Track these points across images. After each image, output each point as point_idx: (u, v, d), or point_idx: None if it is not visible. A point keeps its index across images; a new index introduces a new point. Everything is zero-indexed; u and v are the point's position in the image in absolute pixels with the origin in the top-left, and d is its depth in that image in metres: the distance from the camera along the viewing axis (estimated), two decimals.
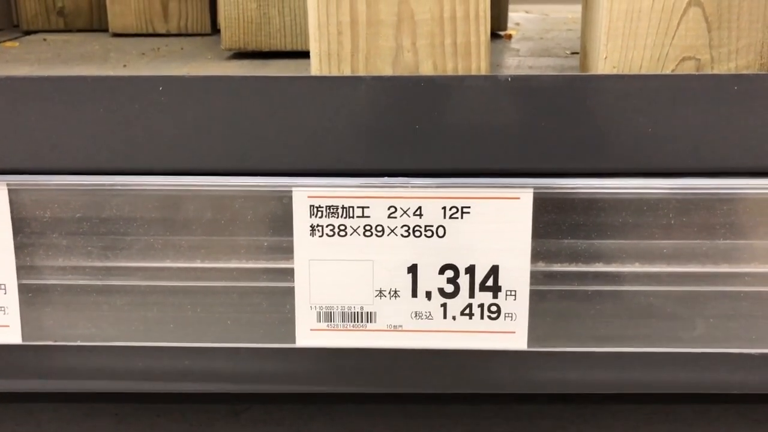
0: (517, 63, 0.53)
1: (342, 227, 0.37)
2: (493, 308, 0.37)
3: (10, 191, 0.36)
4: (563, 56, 0.56)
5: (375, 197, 0.36)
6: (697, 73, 0.40)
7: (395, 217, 0.36)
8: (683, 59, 0.43)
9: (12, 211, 0.36)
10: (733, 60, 0.43)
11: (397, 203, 0.36)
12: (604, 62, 0.43)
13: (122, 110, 0.35)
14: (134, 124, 0.36)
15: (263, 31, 0.55)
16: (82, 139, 0.36)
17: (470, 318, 0.37)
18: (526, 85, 0.35)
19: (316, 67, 0.41)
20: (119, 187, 0.36)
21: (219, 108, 0.36)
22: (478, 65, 0.42)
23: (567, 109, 0.36)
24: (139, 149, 0.36)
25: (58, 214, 0.36)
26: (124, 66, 0.52)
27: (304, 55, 0.52)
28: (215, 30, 0.67)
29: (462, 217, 0.36)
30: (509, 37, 0.64)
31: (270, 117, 0.36)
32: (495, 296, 0.37)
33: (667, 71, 0.42)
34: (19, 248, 0.37)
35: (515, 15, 0.80)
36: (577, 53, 0.56)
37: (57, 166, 0.36)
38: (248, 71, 0.50)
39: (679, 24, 0.43)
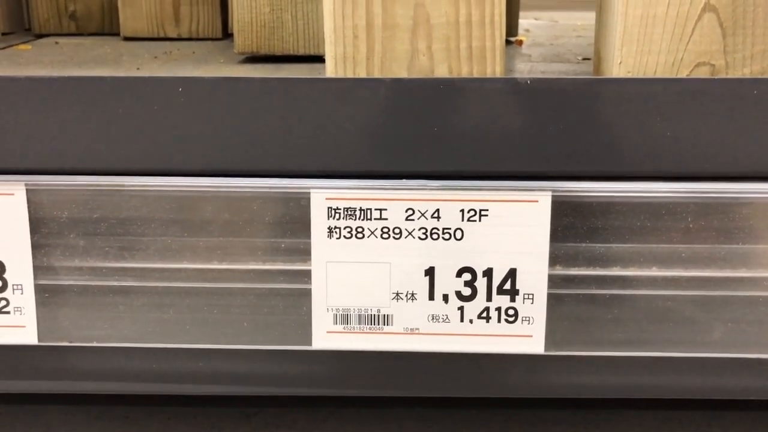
0: (529, 68, 0.53)
1: (359, 229, 0.37)
2: (511, 312, 0.37)
3: (28, 191, 0.36)
4: (575, 62, 0.56)
5: (393, 199, 0.36)
6: (715, 77, 0.41)
7: (413, 220, 0.36)
8: (698, 65, 0.43)
9: (30, 211, 0.36)
10: (747, 65, 0.43)
11: (415, 205, 0.36)
12: (619, 67, 0.43)
13: (141, 111, 0.36)
14: (153, 125, 0.36)
15: (276, 35, 0.55)
16: (100, 139, 0.36)
17: (487, 321, 0.37)
18: (545, 88, 0.35)
19: (331, 70, 0.42)
20: (137, 188, 0.36)
21: (237, 109, 0.36)
22: (493, 69, 0.42)
23: (585, 112, 0.36)
24: (157, 150, 0.36)
25: (76, 214, 0.36)
26: (138, 69, 0.52)
27: (317, 59, 0.52)
28: (226, 34, 0.67)
29: (480, 220, 0.36)
30: (520, 42, 0.65)
31: (288, 119, 0.36)
32: (512, 300, 0.37)
33: (683, 74, 0.42)
34: (36, 248, 0.37)
35: (525, 22, 0.80)
36: (589, 59, 0.56)
37: (75, 167, 0.36)
38: (261, 75, 0.50)
39: (693, 29, 0.43)
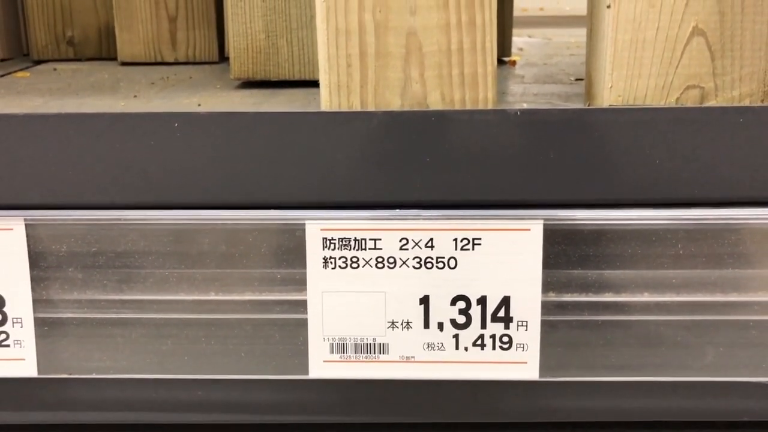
0: (522, 90, 0.54)
1: (354, 259, 0.37)
2: (505, 339, 0.38)
3: (27, 226, 0.36)
4: (568, 83, 0.57)
5: (387, 229, 0.37)
6: (703, 106, 0.41)
7: (407, 249, 0.37)
8: (687, 87, 0.44)
9: (29, 246, 0.37)
10: (737, 88, 0.44)
11: (409, 235, 0.37)
12: (610, 91, 0.43)
13: (138, 146, 0.36)
14: (149, 160, 0.36)
15: (272, 61, 0.55)
16: (97, 174, 0.36)
17: (482, 348, 0.38)
18: (534, 119, 0.36)
19: (326, 98, 0.42)
20: (134, 222, 0.37)
21: (233, 143, 0.36)
22: (486, 95, 0.43)
23: (575, 141, 0.36)
24: (154, 184, 0.36)
25: (74, 248, 0.37)
26: (135, 96, 0.52)
27: (312, 84, 0.52)
28: (222, 58, 0.68)
29: (473, 249, 0.37)
30: (513, 63, 0.65)
31: (283, 151, 0.36)
32: (507, 327, 0.37)
33: (672, 100, 0.43)
34: (36, 282, 0.37)
35: (518, 39, 0.81)
36: (581, 80, 0.57)
37: (73, 201, 0.37)
38: (257, 101, 0.50)
39: (683, 53, 0.43)
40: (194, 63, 0.67)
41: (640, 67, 0.43)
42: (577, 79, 0.58)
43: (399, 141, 0.37)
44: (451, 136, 0.37)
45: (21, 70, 0.64)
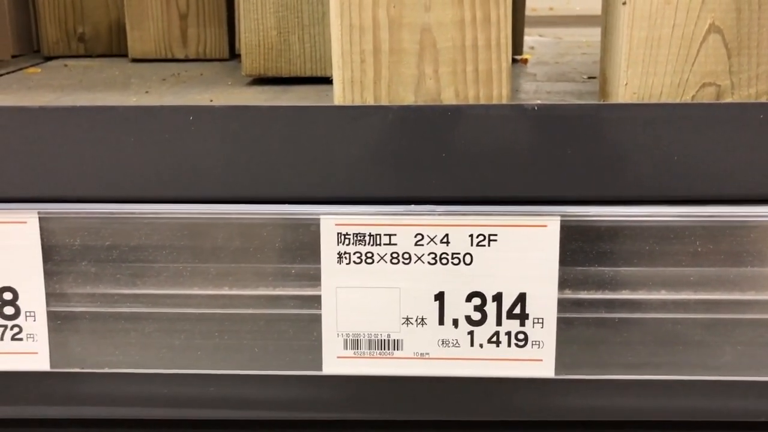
0: (534, 88, 0.54)
1: (369, 255, 0.37)
2: (521, 336, 0.37)
3: (40, 219, 0.36)
4: (580, 81, 0.56)
5: (402, 225, 0.36)
6: (723, 102, 0.41)
7: (422, 245, 0.37)
8: (703, 85, 0.43)
9: (42, 239, 0.37)
10: (753, 86, 0.44)
11: (424, 231, 0.36)
12: (625, 89, 0.43)
13: (152, 139, 0.36)
14: (164, 153, 0.36)
15: (283, 58, 0.55)
16: (111, 167, 0.36)
17: (497, 346, 0.37)
18: (552, 114, 0.36)
19: (339, 94, 0.42)
20: (148, 215, 0.36)
21: (247, 137, 0.36)
22: (500, 92, 0.43)
23: (593, 137, 0.36)
24: (168, 178, 0.36)
25: (88, 241, 0.37)
26: (147, 92, 0.52)
27: (324, 81, 0.52)
28: (233, 55, 0.68)
29: (489, 245, 0.36)
30: (525, 61, 0.65)
31: (298, 145, 0.36)
32: (522, 324, 0.37)
33: (688, 97, 0.43)
34: (49, 276, 0.37)
35: (529, 39, 0.80)
36: (594, 78, 0.57)
37: (87, 195, 0.36)
38: (269, 97, 0.50)
39: (699, 51, 0.43)
40: (205, 60, 0.66)
41: (655, 65, 0.43)
42: (589, 78, 0.58)
43: (415, 135, 0.36)
44: (467, 130, 0.36)
45: (32, 66, 0.64)
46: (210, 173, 0.36)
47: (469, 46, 0.42)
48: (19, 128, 0.36)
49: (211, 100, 0.49)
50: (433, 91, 0.42)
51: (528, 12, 1.05)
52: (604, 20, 0.48)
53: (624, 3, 0.43)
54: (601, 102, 0.44)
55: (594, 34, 0.80)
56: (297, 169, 0.36)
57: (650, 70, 0.43)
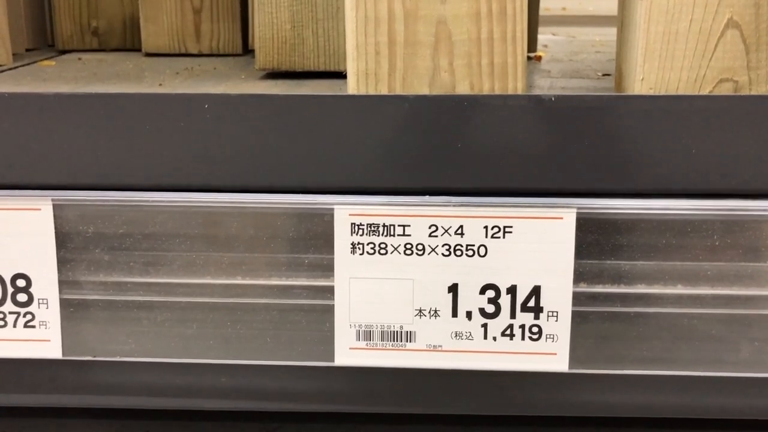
0: (549, 84, 0.53)
1: (383, 245, 0.37)
2: (535, 329, 0.37)
3: (54, 206, 0.36)
4: (595, 78, 0.56)
5: (416, 215, 0.36)
6: (740, 94, 0.40)
7: (436, 236, 0.36)
8: (721, 81, 0.43)
9: (56, 226, 0.37)
10: None
11: (439, 222, 0.36)
12: (641, 83, 0.43)
13: (167, 127, 0.36)
14: (179, 142, 0.36)
15: (297, 52, 0.55)
16: (126, 155, 0.36)
17: (511, 339, 0.37)
18: (569, 105, 0.35)
19: (353, 86, 0.42)
20: (162, 204, 0.36)
21: (262, 126, 0.36)
22: (515, 86, 0.42)
23: (610, 129, 0.36)
24: (182, 166, 0.36)
25: (101, 229, 0.37)
26: (160, 85, 0.52)
27: (337, 75, 0.52)
28: (246, 50, 0.68)
29: (504, 237, 0.36)
30: (539, 58, 0.65)
31: (313, 135, 0.36)
32: (536, 317, 0.37)
33: (705, 93, 0.42)
34: (62, 263, 0.37)
35: (543, 37, 0.80)
36: (608, 75, 0.56)
37: (101, 182, 0.36)
38: (282, 91, 0.50)
39: (716, 46, 0.43)
40: (218, 55, 0.67)
41: (672, 60, 0.42)
42: (604, 75, 0.57)
43: (430, 126, 0.36)
44: (483, 121, 0.36)
45: (46, 59, 0.64)
46: (224, 162, 0.36)
47: (484, 38, 0.42)
48: (33, 115, 0.36)
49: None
50: (448, 83, 0.42)
51: (541, 12, 1.04)
52: (621, 15, 0.48)
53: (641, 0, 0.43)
54: (617, 94, 0.44)
55: (607, 33, 0.80)
56: (311, 158, 0.36)
57: (667, 65, 0.43)
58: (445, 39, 0.42)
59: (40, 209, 0.36)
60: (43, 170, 0.36)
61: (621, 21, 0.48)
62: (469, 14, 0.42)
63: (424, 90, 0.42)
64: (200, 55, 0.66)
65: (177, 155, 0.36)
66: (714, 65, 0.43)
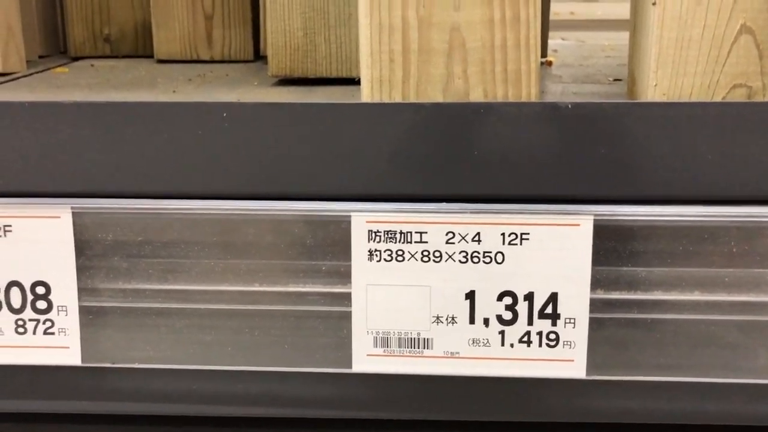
0: (561, 89, 0.54)
1: (400, 252, 0.37)
2: (552, 336, 0.37)
3: (74, 214, 0.37)
4: (606, 83, 0.56)
5: (433, 222, 0.36)
6: (756, 101, 0.40)
7: (453, 243, 0.37)
8: (734, 86, 0.43)
9: (75, 234, 0.37)
10: None
11: (456, 229, 0.36)
12: (654, 89, 0.43)
13: (184, 135, 0.36)
14: (196, 150, 0.36)
15: (309, 59, 0.55)
16: (144, 163, 0.36)
17: (528, 346, 0.37)
18: (585, 113, 0.35)
19: (367, 93, 0.42)
20: (180, 211, 0.37)
21: (279, 134, 0.36)
22: (528, 92, 0.43)
23: (626, 135, 0.36)
24: (200, 174, 0.36)
25: (120, 237, 0.37)
26: (174, 92, 0.53)
27: (349, 81, 0.52)
28: (258, 56, 0.68)
29: (521, 244, 0.36)
30: (550, 63, 0.65)
31: (329, 143, 0.36)
32: (554, 324, 0.37)
33: (718, 99, 0.42)
34: (81, 270, 0.37)
35: (552, 42, 0.80)
36: (620, 80, 0.56)
37: (119, 190, 0.37)
38: (296, 97, 0.50)
39: (730, 51, 0.43)
40: (230, 61, 0.67)
41: (685, 65, 0.43)
42: (615, 80, 0.57)
43: (446, 133, 0.36)
44: (499, 129, 0.36)
45: (59, 66, 0.65)
46: (241, 170, 0.36)
47: (498, 45, 0.42)
48: (52, 124, 0.36)
49: (239, 100, 0.49)
50: (462, 90, 0.42)
51: (550, 16, 1.04)
52: (633, 20, 0.48)
53: (654, 3, 0.43)
54: (635, 101, 0.44)
55: (616, 38, 0.80)
56: (328, 166, 0.36)
57: (680, 71, 0.43)
58: (459, 46, 0.42)
59: (59, 217, 0.36)
60: (62, 178, 0.36)
61: (633, 26, 0.48)
62: (482, 21, 0.42)
63: (438, 97, 0.42)
64: (212, 61, 0.66)
65: (194, 163, 0.36)
66: (727, 71, 0.43)
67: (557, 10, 1.05)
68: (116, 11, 0.69)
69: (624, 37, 0.49)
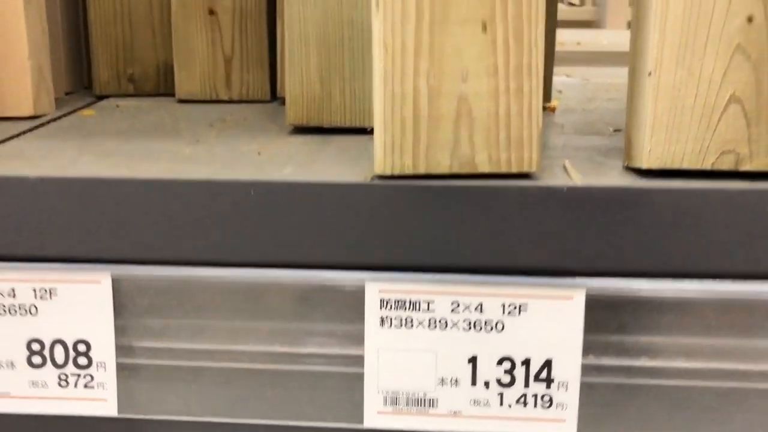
0: (562, 143, 0.56)
1: (409, 319, 0.40)
2: (546, 398, 0.41)
3: (113, 280, 0.40)
4: (607, 134, 0.59)
5: (440, 293, 0.40)
6: (744, 189, 0.43)
7: (458, 312, 0.40)
8: (723, 152, 0.46)
9: (114, 297, 0.40)
10: None
11: (460, 299, 0.40)
12: (649, 154, 0.46)
13: (215, 209, 0.40)
14: (225, 222, 0.40)
15: (325, 109, 0.58)
16: (177, 233, 0.40)
17: (524, 406, 0.41)
18: (581, 195, 0.39)
19: (380, 156, 0.45)
20: (210, 278, 0.40)
21: (301, 209, 0.40)
22: (530, 156, 0.46)
23: (619, 216, 0.39)
24: (228, 244, 0.40)
25: (154, 300, 0.40)
26: (197, 141, 0.56)
27: (362, 131, 0.55)
28: (274, 96, 0.71)
29: (519, 314, 0.39)
30: (553, 109, 0.68)
31: (346, 217, 0.40)
32: (548, 387, 0.40)
33: (708, 164, 0.45)
34: (118, 330, 0.41)
35: (557, 80, 0.83)
36: (619, 130, 0.59)
37: (155, 258, 0.40)
38: (312, 149, 0.54)
39: (720, 120, 0.46)
40: (247, 101, 0.70)
41: (678, 132, 0.45)
42: (615, 130, 0.60)
43: (452, 209, 0.40)
44: (500, 206, 0.40)
45: (86, 106, 0.68)
46: (266, 240, 0.40)
47: (502, 114, 0.45)
48: (95, 198, 0.40)
49: (259, 153, 0.53)
50: (468, 155, 0.45)
51: (556, 47, 1.06)
52: (630, 86, 0.51)
53: (649, 74, 0.46)
54: (626, 186, 0.46)
55: (620, 74, 0.83)
56: (344, 238, 0.40)
57: (673, 137, 0.46)
58: (466, 114, 0.45)
59: (100, 282, 0.40)
60: (103, 246, 0.40)
61: (630, 92, 0.51)
62: (488, 92, 0.45)
63: (446, 160, 0.45)
64: (230, 101, 0.70)
65: (223, 234, 0.40)
66: (717, 138, 0.46)
67: (563, 40, 1.07)
68: (140, 52, 0.72)
69: (626, 72, 0.51)
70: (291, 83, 0.58)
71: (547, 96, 0.69)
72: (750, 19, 0.46)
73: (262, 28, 0.70)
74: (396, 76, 0.45)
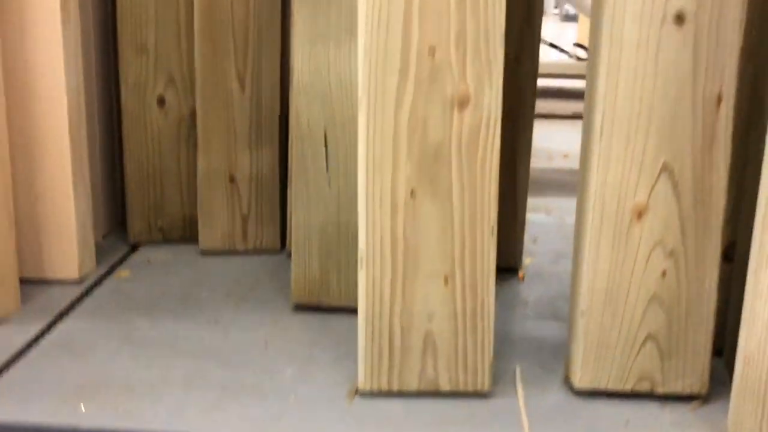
0: (521, 333, 0.67)
1: None
2: None
3: None
4: (564, 320, 0.69)
5: None
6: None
7: None
8: (641, 379, 0.57)
9: None
10: (680, 380, 0.57)
11: None
12: (580, 379, 0.57)
13: None
14: None
15: (323, 291, 0.70)
16: None
17: None
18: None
19: (362, 378, 0.57)
20: None
21: None
22: (483, 379, 0.57)
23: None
24: None
25: None
26: (216, 322, 0.67)
27: (354, 310, 0.66)
28: (282, 247, 0.82)
29: None
30: (522, 277, 0.78)
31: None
32: None
33: (628, 387, 0.56)
34: None
35: (535, 218, 0.91)
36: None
37: None
38: (311, 326, 0.65)
39: (638, 354, 0.56)
40: (260, 252, 0.81)
41: (604, 362, 0.57)
42: None
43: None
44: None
45: (121, 261, 0.79)
46: None
47: (460, 347, 0.57)
48: None
49: (266, 341, 0.64)
50: (433, 378, 0.57)
51: (544, 159, 1.14)
52: (570, 319, 0.61)
53: (582, 314, 0.56)
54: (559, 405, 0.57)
55: None
56: None
57: (600, 365, 0.57)
58: (431, 346, 0.57)
59: None
60: None
61: (570, 323, 0.61)
62: (449, 330, 0.57)
63: (415, 381, 0.57)
64: (245, 252, 0.81)
65: None
66: (636, 368, 0.57)
67: (551, 148, 1.13)
68: (168, 207, 0.83)
69: None
70: (295, 267, 0.69)
71: (517, 262, 0.79)
72: (663, 274, 0.56)
73: (275, 191, 0.80)
74: (375, 316, 0.56)
